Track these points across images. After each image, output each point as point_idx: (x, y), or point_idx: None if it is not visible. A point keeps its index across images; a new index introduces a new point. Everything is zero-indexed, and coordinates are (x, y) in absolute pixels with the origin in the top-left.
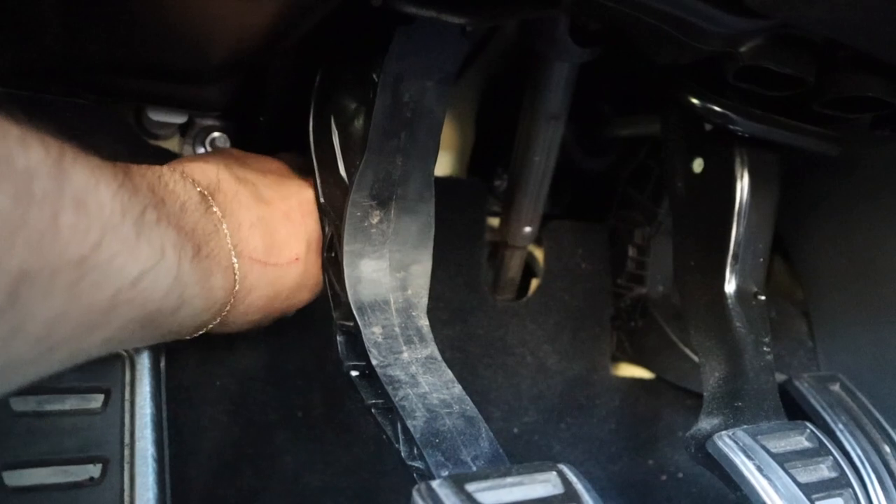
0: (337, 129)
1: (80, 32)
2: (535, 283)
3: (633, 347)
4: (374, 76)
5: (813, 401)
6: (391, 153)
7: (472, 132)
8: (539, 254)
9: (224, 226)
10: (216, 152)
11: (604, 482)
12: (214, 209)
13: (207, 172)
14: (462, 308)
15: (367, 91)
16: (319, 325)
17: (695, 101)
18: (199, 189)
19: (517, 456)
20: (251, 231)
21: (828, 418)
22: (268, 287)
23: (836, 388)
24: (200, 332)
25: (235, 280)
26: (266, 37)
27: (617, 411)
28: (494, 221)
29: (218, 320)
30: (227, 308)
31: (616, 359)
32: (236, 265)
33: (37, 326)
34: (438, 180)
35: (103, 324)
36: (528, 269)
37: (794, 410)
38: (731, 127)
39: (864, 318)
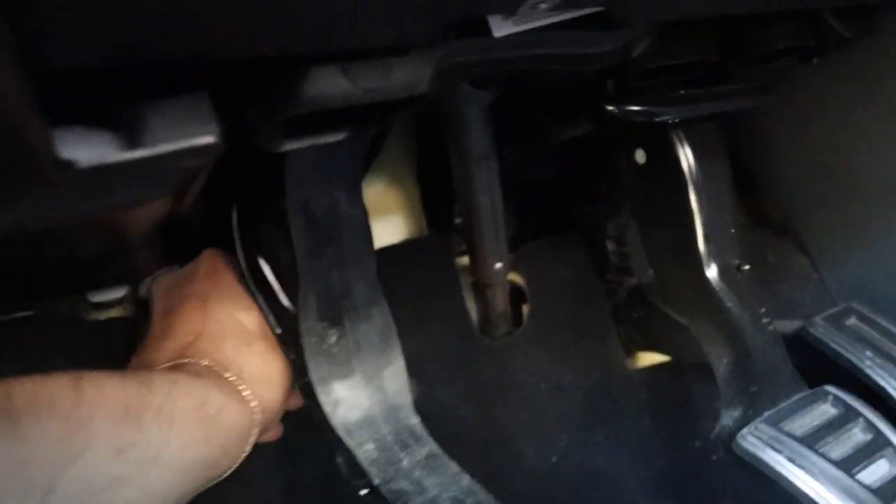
0: (266, 262)
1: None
2: (526, 308)
3: (643, 337)
4: (282, 205)
5: (832, 344)
6: (326, 270)
7: (416, 189)
8: (520, 279)
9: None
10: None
11: (654, 481)
12: None
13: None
14: (462, 359)
15: (281, 220)
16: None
17: (611, 108)
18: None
19: (561, 485)
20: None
21: (852, 358)
22: None
23: (852, 321)
24: None
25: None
26: (168, 210)
27: (647, 404)
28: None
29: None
30: None
31: (630, 351)
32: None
33: None
34: (398, 247)
35: None
36: (518, 295)
37: (818, 360)
38: (658, 119)
39: (861, 234)
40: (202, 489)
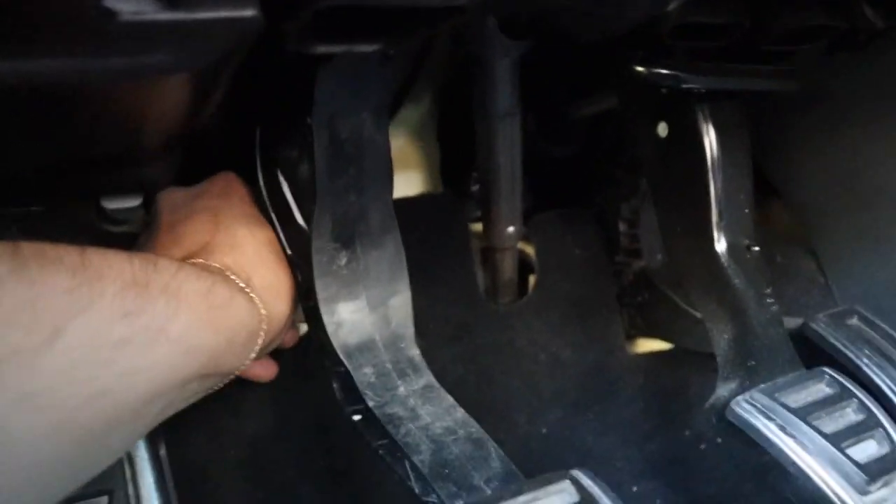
0: (285, 179)
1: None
2: (532, 279)
3: (645, 321)
4: (308, 120)
5: (833, 340)
6: (343, 192)
7: (436, 145)
8: (530, 249)
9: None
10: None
11: (643, 464)
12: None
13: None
14: (465, 321)
15: (305, 136)
16: (320, 370)
17: (640, 69)
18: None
19: (550, 455)
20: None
21: (851, 355)
22: None
23: (854, 321)
24: None
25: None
26: (191, 112)
27: (642, 389)
28: (480, 227)
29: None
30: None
31: (631, 336)
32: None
33: None
34: (412, 200)
35: None
36: (525, 267)
37: (817, 354)
38: (685, 86)
39: (870, 242)
40: (203, 392)
